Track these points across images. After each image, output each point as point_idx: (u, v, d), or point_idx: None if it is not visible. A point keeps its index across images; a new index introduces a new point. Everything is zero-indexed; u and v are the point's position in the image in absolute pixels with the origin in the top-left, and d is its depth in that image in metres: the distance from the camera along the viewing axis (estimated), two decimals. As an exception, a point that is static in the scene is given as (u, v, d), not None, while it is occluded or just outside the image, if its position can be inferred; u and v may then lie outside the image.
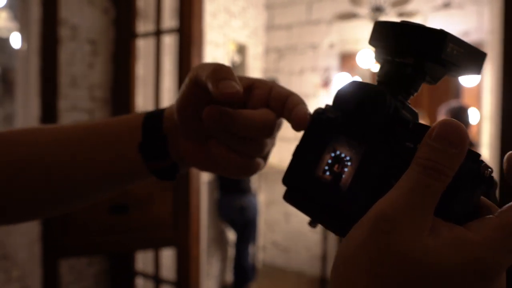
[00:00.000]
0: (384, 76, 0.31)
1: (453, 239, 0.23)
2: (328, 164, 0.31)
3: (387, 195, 0.24)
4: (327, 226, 0.31)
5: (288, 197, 0.33)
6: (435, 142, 0.24)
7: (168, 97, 2.72)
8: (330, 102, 0.33)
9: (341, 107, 0.31)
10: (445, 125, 0.24)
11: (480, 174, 0.25)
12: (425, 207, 0.23)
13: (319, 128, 0.33)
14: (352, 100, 0.30)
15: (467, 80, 3.23)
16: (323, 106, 0.34)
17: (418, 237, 0.22)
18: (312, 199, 0.31)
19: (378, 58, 0.32)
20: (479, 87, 3.21)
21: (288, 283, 3.77)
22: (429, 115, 3.47)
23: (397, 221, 0.23)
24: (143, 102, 2.57)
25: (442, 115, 2.68)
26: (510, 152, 0.26)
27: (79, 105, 2.42)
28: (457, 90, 3.36)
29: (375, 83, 0.32)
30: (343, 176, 0.30)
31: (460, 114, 2.74)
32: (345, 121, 0.31)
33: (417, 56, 0.29)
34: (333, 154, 0.31)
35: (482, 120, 3.20)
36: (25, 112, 2.22)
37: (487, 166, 0.25)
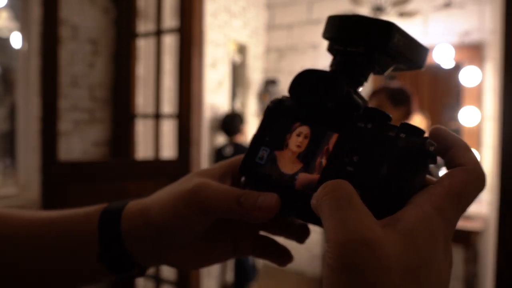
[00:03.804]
0: (337, 65, 0.33)
1: (416, 220, 0.24)
2: None
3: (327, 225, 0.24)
4: (288, 213, 0.32)
5: (249, 187, 0.33)
6: None
7: (168, 97, 2.72)
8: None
9: (297, 95, 0.32)
10: None
11: (425, 149, 0.26)
12: (351, 207, 0.24)
13: (276, 117, 0.33)
14: (307, 87, 0.31)
15: (467, 80, 3.22)
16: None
17: (376, 231, 0.23)
18: (274, 187, 0.32)
19: (331, 49, 0.33)
20: (479, 87, 3.21)
21: (288, 283, 3.77)
22: (430, 116, 3.46)
23: (359, 243, 0.22)
24: (143, 102, 2.57)
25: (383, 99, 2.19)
26: (436, 126, 0.28)
27: (80, 105, 2.42)
28: (457, 90, 3.35)
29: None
30: None
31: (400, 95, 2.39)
32: (301, 108, 0.32)
33: (367, 45, 0.31)
34: None
35: (483, 121, 3.20)
36: (26, 112, 2.22)
37: (431, 143, 0.27)
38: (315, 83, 0.31)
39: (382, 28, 0.29)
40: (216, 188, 0.32)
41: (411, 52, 0.31)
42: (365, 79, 0.32)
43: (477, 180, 0.26)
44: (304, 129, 0.31)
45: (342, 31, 0.31)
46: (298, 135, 0.32)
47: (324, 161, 0.30)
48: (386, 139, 0.27)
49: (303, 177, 0.30)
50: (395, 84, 2.23)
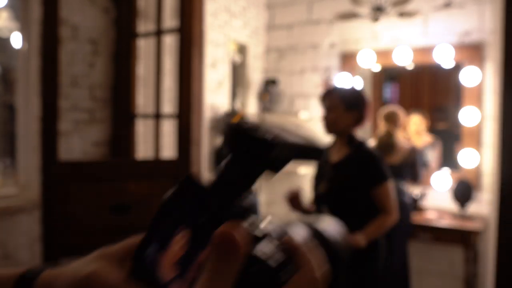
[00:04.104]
0: (223, 170, 0.33)
1: None
2: None
3: None
4: None
5: (136, 273, 0.33)
6: (212, 251, 0.28)
7: (168, 97, 2.72)
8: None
9: (180, 202, 0.33)
10: (217, 236, 0.28)
11: (277, 281, 0.28)
12: None
13: (168, 214, 0.33)
14: (184, 199, 0.32)
15: (467, 80, 3.23)
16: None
17: None
18: (156, 281, 0.32)
19: (224, 151, 0.34)
20: (479, 87, 3.21)
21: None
22: (430, 116, 3.46)
23: None
24: (143, 102, 2.57)
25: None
26: (285, 238, 0.31)
27: (80, 104, 2.42)
28: (457, 90, 3.36)
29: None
30: None
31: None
32: (187, 212, 0.32)
33: (248, 159, 0.32)
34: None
35: (483, 121, 3.20)
36: (26, 112, 2.22)
37: (283, 274, 0.28)
38: (190, 197, 0.32)
39: (261, 145, 0.30)
40: (106, 280, 0.34)
41: (298, 155, 0.32)
42: (254, 182, 0.33)
43: (309, 279, 0.29)
44: (186, 234, 0.32)
45: (230, 139, 0.33)
46: (181, 239, 0.32)
47: (193, 274, 0.30)
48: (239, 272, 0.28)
49: (175, 287, 0.31)
50: (350, 86, 2.16)
